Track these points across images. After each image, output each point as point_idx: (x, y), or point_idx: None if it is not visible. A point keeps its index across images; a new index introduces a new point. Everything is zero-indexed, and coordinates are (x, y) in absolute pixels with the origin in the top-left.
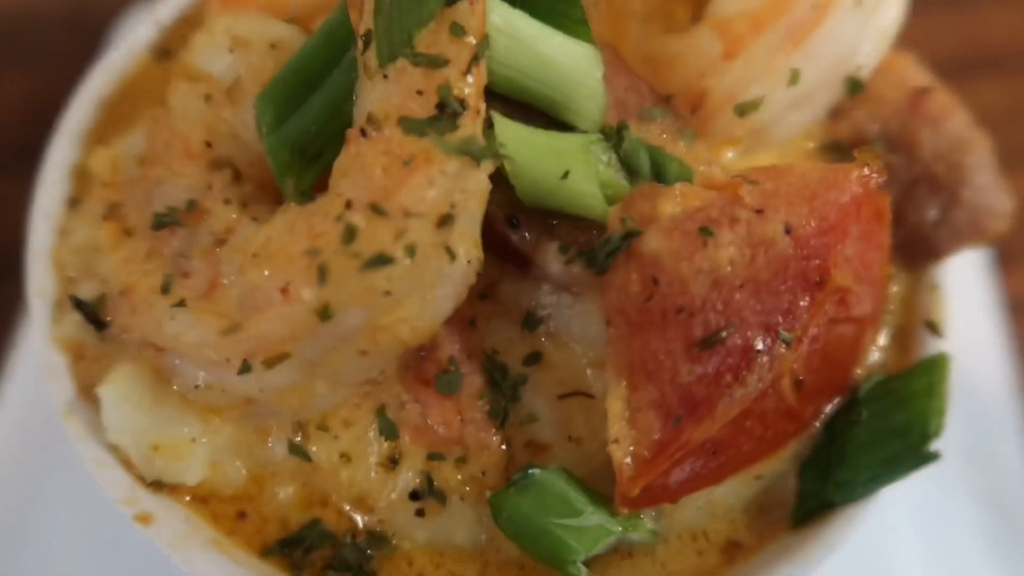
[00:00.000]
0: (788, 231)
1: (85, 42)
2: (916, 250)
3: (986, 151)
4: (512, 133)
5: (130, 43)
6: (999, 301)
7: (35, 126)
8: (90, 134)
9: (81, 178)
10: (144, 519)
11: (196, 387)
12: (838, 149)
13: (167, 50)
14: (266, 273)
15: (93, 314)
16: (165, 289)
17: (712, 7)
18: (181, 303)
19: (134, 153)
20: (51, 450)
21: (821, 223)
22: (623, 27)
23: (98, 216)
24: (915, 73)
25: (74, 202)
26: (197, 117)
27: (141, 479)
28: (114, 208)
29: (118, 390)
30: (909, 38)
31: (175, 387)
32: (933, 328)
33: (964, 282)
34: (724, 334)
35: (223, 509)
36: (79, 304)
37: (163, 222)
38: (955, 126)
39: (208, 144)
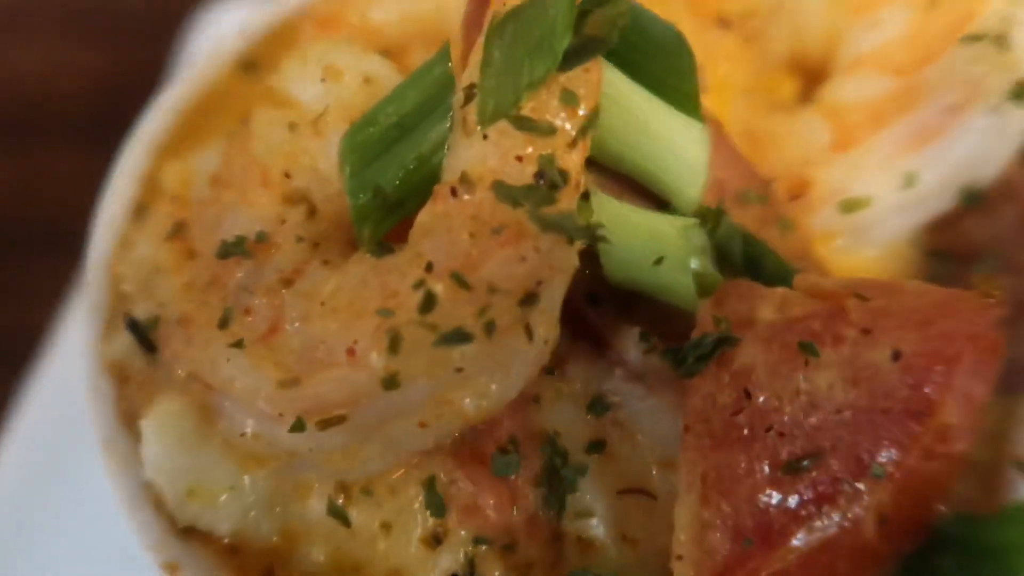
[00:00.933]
0: (896, 357)
1: (162, 26)
2: (1015, 380)
3: None
4: (609, 211)
5: (214, 52)
6: None
7: (100, 105)
8: (164, 143)
9: (151, 188)
10: (172, 568)
11: (242, 434)
12: (943, 258)
13: (252, 63)
14: (333, 327)
15: (145, 337)
16: (224, 324)
17: (826, 90)
18: (239, 343)
19: (208, 171)
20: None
21: (933, 353)
22: (726, 97)
23: (163, 232)
24: None
25: (141, 210)
26: (279, 145)
27: (172, 522)
28: (180, 227)
29: (162, 425)
30: None
31: (219, 428)
32: None
33: None
34: (813, 461)
35: (251, 562)
36: (133, 325)
37: (230, 251)
38: None
39: (287, 175)
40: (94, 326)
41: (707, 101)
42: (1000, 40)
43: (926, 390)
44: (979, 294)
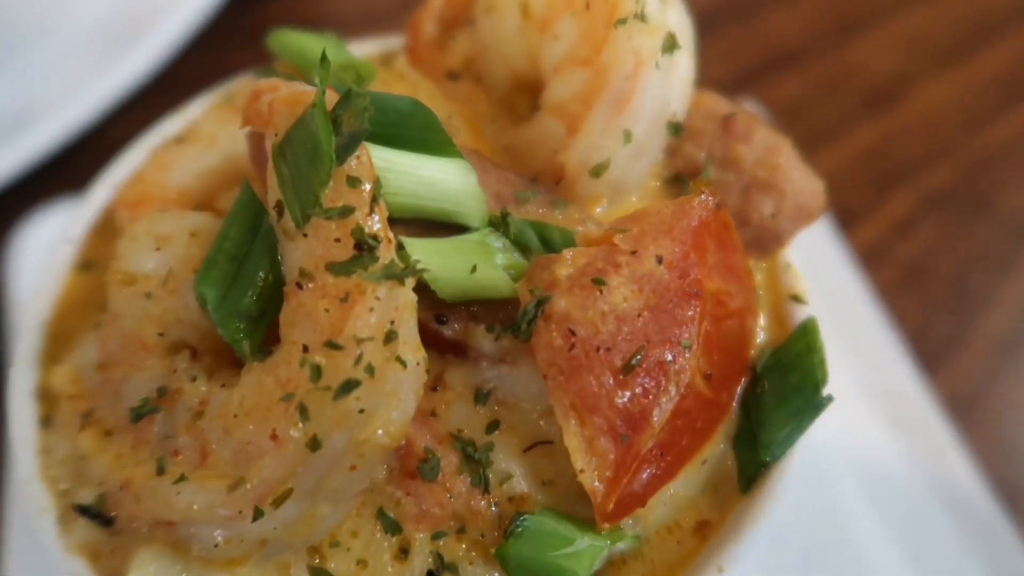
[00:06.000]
0: (660, 261)
1: None
2: (765, 241)
3: (790, 149)
4: (420, 248)
5: (53, 265)
6: (850, 255)
7: None
8: (42, 357)
9: (46, 399)
10: None
11: (216, 546)
12: (679, 180)
13: (88, 262)
14: (251, 427)
15: (98, 514)
16: (160, 471)
17: (546, 95)
18: (182, 478)
19: (90, 361)
20: None
21: (683, 247)
22: (478, 130)
23: (74, 428)
24: (719, 104)
25: (46, 421)
26: (144, 314)
27: None
28: (87, 415)
29: (145, 572)
30: (712, 56)
31: (194, 553)
32: (797, 299)
33: (818, 246)
34: (639, 357)
35: None
36: (83, 510)
37: (141, 413)
38: (762, 137)
39: (161, 334)
40: (49, 527)
41: (464, 139)
42: (641, 16)
43: (690, 275)
44: (695, 194)
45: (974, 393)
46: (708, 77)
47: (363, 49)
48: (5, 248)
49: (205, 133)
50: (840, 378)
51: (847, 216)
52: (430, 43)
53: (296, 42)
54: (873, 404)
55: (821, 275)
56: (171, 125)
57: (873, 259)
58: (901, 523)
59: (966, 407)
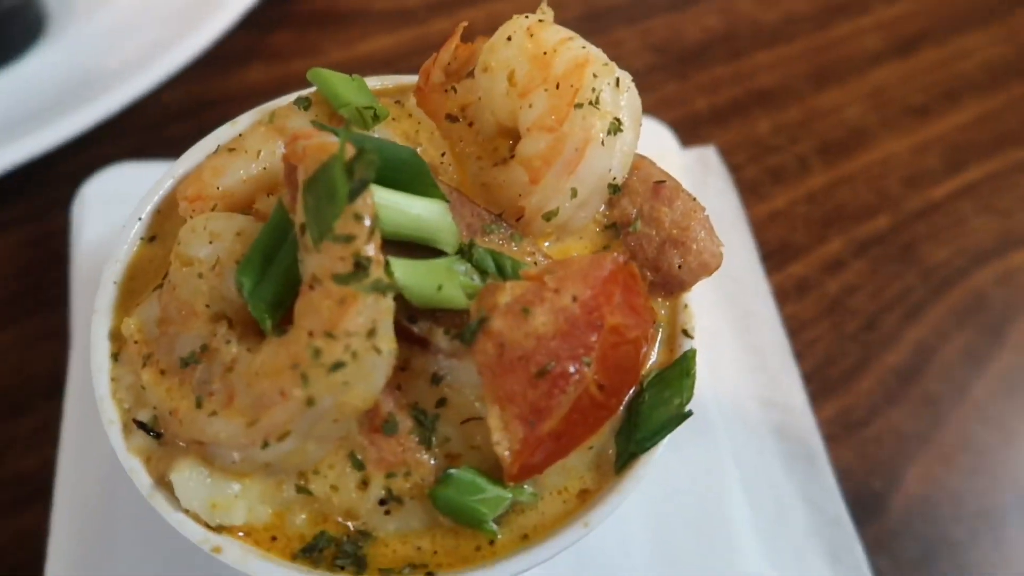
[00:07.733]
0: (574, 299)
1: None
2: (671, 287)
3: (703, 215)
4: (402, 268)
5: (125, 236)
6: (770, 288)
7: (19, 279)
8: (115, 307)
9: (115, 339)
10: (217, 550)
11: (233, 463)
12: (614, 227)
13: (152, 236)
14: (267, 384)
15: (151, 430)
16: (199, 405)
17: (519, 148)
18: (214, 413)
19: (152, 317)
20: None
21: (593, 290)
22: (465, 166)
23: (137, 365)
24: (654, 170)
25: (115, 357)
26: (196, 289)
27: (208, 526)
28: (148, 357)
29: (183, 475)
30: (697, 89)
31: (217, 465)
32: (686, 333)
33: (744, 276)
34: (549, 368)
35: (260, 536)
36: (140, 425)
37: (188, 362)
38: (682, 203)
39: (207, 306)
40: (116, 433)
41: (452, 173)
42: (595, 102)
43: (596, 312)
44: (610, 252)
45: (861, 417)
46: (691, 107)
47: (383, 82)
48: (74, 203)
49: (250, 147)
50: (742, 389)
51: (789, 250)
52: (436, 88)
53: (330, 80)
54: (766, 414)
55: (746, 302)
56: (225, 132)
57: (801, 291)
58: (766, 511)
59: (852, 427)
